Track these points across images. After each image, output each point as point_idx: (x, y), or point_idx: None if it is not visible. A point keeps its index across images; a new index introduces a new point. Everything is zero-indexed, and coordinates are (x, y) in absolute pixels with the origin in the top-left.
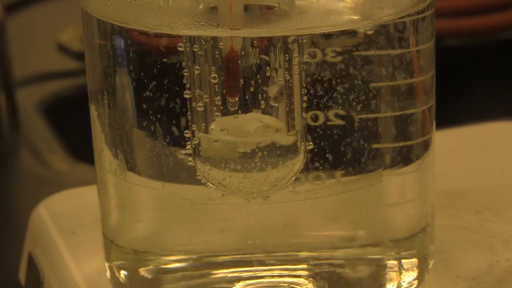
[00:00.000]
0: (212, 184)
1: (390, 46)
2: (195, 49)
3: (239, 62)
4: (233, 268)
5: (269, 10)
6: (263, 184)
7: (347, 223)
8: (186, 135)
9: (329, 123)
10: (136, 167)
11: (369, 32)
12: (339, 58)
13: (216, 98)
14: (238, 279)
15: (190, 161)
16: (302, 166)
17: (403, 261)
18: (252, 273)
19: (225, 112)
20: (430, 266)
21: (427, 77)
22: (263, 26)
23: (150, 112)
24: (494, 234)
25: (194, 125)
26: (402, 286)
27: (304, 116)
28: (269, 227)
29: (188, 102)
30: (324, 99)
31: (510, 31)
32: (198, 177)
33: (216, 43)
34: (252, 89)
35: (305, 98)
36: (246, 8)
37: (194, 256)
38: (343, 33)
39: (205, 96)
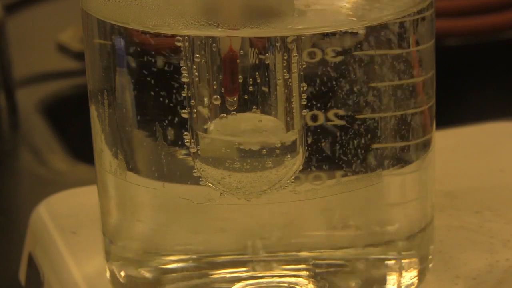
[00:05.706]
0: (211, 183)
1: (390, 46)
2: (194, 49)
3: (238, 61)
4: (233, 268)
5: (268, 11)
6: (262, 183)
7: (347, 223)
8: (186, 135)
9: (328, 123)
10: (136, 167)
11: (369, 32)
12: (339, 58)
13: (215, 98)
14: (238, 279)
15: (190, 161)
16: (301, 166)
17: (403, 261)
18: (252, 273)
19: (224, 112)
20: (430, 266)
21: (427, 77)
22: (262, 26)
23: (150, 112)
24: (494, 234)
25: (194, 125)
26: (402, 286)
27: (303, 114)
28: (269, 227)
29: (187, 102)
30: (324, 99)
31: (510, 31)
32: (197, 176)
33: (216, 42)
34: (251, 88)
35: (304, 97)
36: (246, 8)
37: (194, 256)
38: (343, 33)
39: (204, 95)
